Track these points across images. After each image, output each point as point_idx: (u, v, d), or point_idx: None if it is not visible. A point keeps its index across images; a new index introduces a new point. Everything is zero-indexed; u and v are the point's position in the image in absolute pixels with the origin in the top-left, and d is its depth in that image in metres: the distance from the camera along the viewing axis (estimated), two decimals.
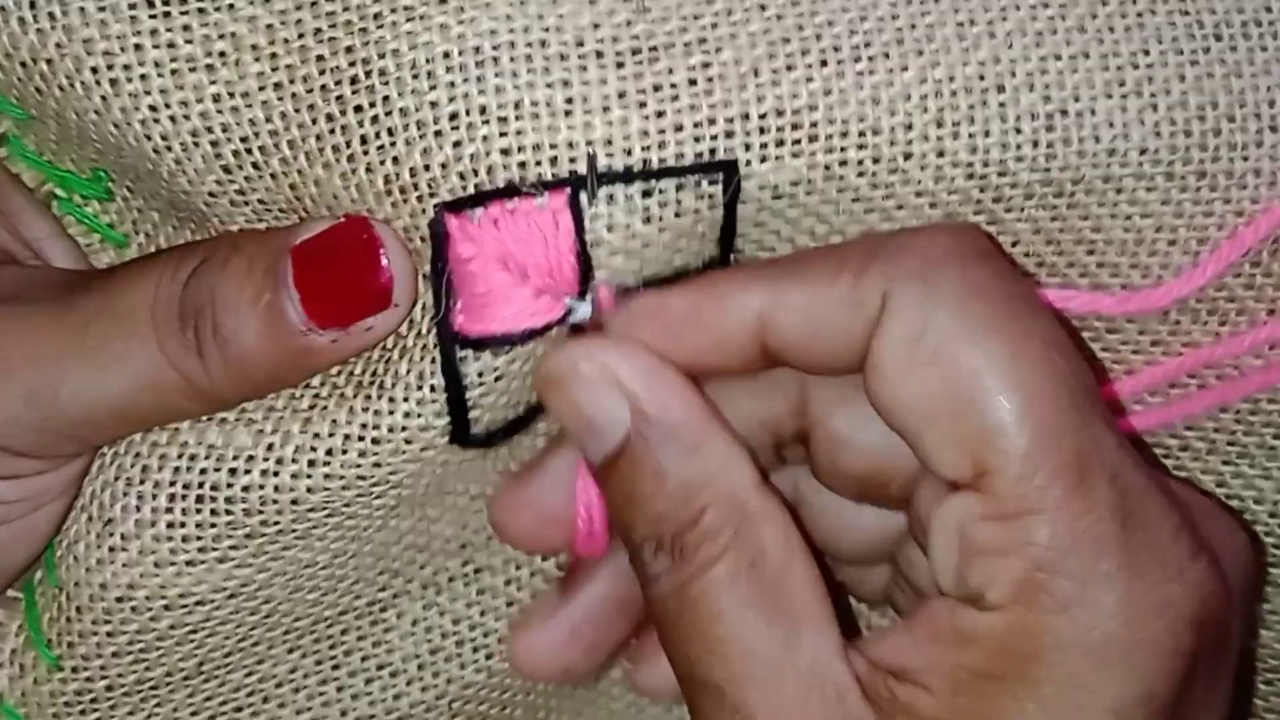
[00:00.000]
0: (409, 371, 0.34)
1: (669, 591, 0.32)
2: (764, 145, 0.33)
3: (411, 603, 0.40)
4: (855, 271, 0.31)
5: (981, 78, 0.33)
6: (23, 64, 0.34)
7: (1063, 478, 0.30)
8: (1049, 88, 0.33)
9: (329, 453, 0.35)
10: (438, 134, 0.32)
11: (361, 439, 0.35)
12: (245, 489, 0.35)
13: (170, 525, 0.36)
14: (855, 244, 0.33)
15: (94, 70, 0.33)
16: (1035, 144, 0.33)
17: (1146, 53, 0.34)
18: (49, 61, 0.33)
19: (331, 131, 0.33)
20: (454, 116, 0.32)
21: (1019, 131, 0.33)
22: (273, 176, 0.34)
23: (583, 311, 0.33)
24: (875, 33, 0.33)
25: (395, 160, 0.32)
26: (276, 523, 0.36)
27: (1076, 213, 0.35)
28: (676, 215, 0.33)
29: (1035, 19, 0.34)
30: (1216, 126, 0.34)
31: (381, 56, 0.32)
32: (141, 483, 0.36)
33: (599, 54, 0.32)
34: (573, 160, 0.32)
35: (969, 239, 0.32)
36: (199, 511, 0.36)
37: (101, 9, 0.33)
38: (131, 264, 0.36)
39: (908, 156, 0.33)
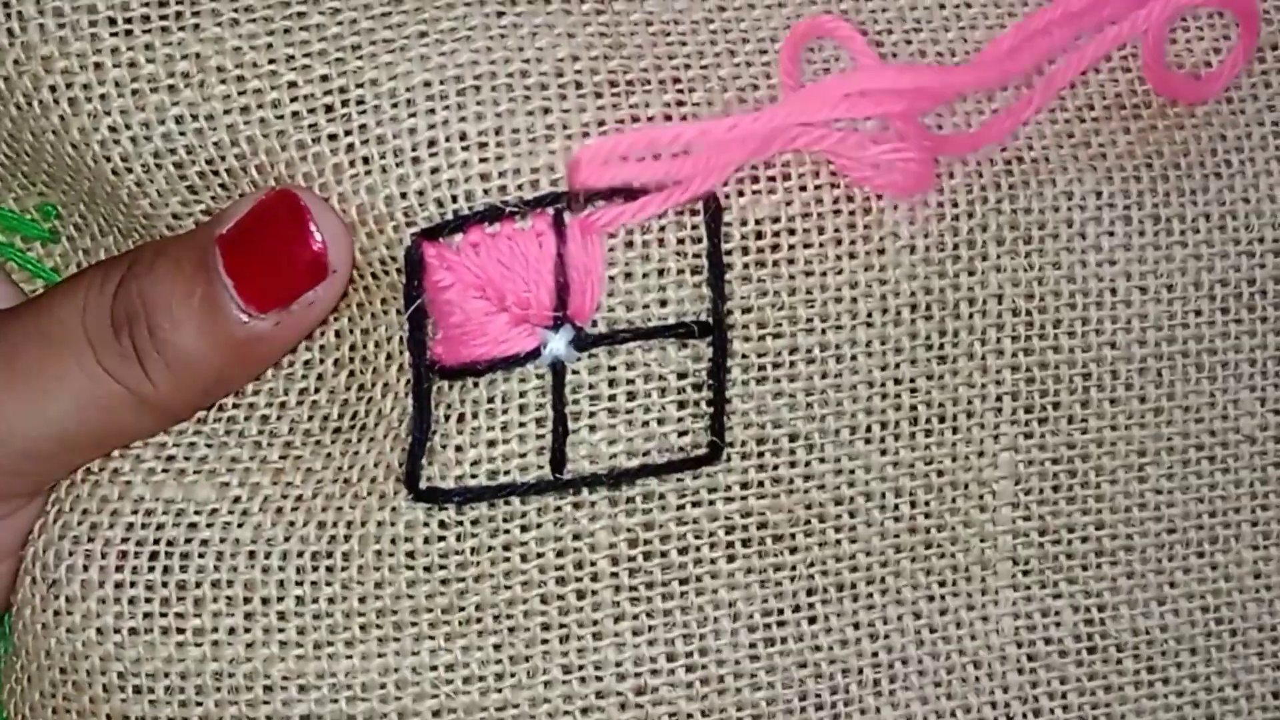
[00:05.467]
0: (393, 409, 0.33)
1: None
2: (740, 181, 0.33)
3: None
4: None
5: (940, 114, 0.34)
6: None
7: None
8: None
9: (298, 499, 0.33)
10: (415, 160, 0.31)
11: (335, 481, 0.33)
12: (204, 543, 0.34)
13: (119, 586, 0.33)
14: None
15: (52, 89, 0.32)
16: (998, 186, 0.34)
17: (1091, 107, 0.35)
18: (5, 79, 0.32)
19: (303, 159, 0.32)
20: (432, 143, 0.31)
21: (980, 175, 0.34)
22: (242, 197, 0.33)
23: (556, 346, 0.32)
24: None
25: (370, 190, 0.32)
26: (230, 582, 0.34)
27: (1048, 259, 0.35)
28: (660, 243, 0.32)
29: None
30: None
31: (359, 86, 0.32)
32: (90, 541, 0.34)
33: (578, 84, 0.32)
34: (554, 184, 0.32)
35: None
36: (151, 570, 0.33)
37: (61, 25, 0.32)
38: (56, 284, 0.34)
39: (879, 195, 0.33)
